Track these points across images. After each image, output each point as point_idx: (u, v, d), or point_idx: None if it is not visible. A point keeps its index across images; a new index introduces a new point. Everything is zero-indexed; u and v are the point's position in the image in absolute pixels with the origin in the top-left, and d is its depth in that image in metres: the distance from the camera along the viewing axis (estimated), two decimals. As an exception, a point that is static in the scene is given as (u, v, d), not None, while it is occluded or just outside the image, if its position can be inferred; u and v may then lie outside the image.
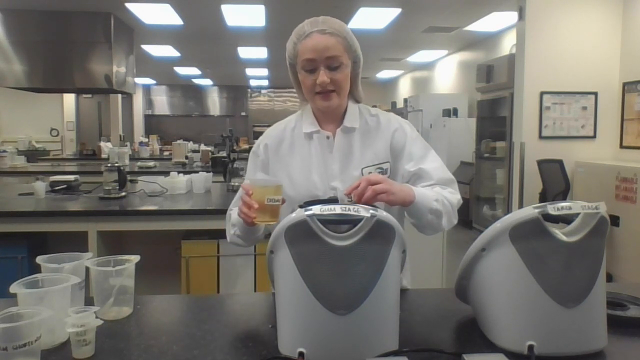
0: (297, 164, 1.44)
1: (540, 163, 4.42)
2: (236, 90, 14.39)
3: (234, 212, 1.43)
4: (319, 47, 1.33)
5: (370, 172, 1.39)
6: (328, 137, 1.44)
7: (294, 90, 1.50)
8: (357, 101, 1.50)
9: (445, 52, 8.86)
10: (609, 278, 3.88)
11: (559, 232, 1.02)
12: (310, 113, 1.47)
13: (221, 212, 2.91)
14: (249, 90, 14.22)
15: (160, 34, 7.21)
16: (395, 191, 1.23)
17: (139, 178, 3.59)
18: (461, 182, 6.95)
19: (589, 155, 4.52)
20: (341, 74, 1.36)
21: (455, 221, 1.39)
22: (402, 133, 1.45)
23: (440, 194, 1.34)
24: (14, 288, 1.05)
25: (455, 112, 7.51)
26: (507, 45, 6.62)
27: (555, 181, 4.33)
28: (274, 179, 1.33)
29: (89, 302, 1.20)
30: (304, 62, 1.35)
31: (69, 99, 10.44)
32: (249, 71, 11.39)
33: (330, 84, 1.35)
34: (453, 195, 1.38)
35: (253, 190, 1.22)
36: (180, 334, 1.16)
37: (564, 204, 1.01)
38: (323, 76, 1.33)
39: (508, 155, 5.56)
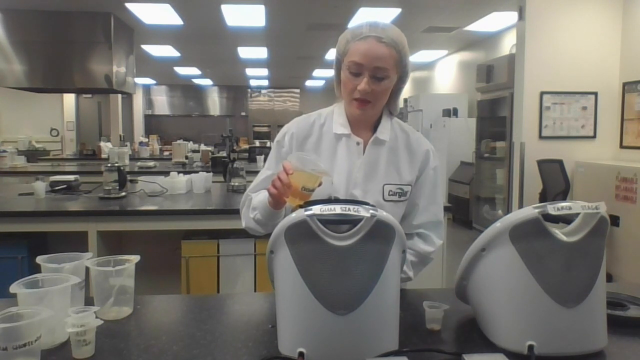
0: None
1: (540, 163, 4.41)
2: (236, 90, 14.37)
3: (255, 196, 1.42)
4: (370, 54, 1.29)
5: (390, 191, 1.39)
6: (358, 144, 1.41)
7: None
8: (392, 113, 1.47)
9: (445, 52, 8.85)
10: (609, 278, 3.88)
11: (559, 232, 1.02)
12: (343, 114, 1.43)
13: (221, 212, 2.95)
14: (249, 90, 14.18)
15: (160, 34, 7.21)
16: None
17: (139, 178, 3.58)
18: (461, 182, 6.97)
19: (589, 155, 4.52)
20: (384, 86, 1.33)
21: (422, 268, 1.50)
22: (430, 167, 1.45)
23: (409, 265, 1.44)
24: (14, 288, 1.05)
25: (455, 112, 7.51)
26: (507, 45, 6.62)
27: (555, 181, 4.33)
28: (320, 167, 1.22)
29: (89, 302, 1.20)
30: (351, 64, 1.31)
31: (69, 99, 10.44)
32: (249, 71, 11.38)
33: (369, 93, 1.32)
34: (427, 247, 1.45)
35: (294, 172, 1.19)
36: (180, 334, 1.16)
37: (564, 204, 1.01)
38: (365, 84, 1.30)
39: (508, 155, 5.56)
